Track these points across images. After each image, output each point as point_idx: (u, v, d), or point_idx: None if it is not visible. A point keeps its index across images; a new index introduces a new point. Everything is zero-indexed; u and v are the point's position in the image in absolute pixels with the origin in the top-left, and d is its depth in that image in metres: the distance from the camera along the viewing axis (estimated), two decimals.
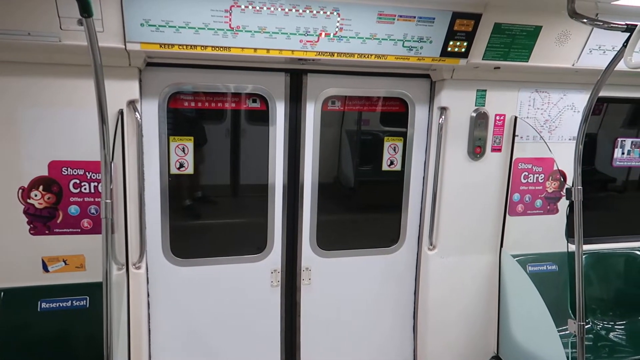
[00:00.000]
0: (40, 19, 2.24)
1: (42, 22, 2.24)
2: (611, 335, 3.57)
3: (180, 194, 3.16)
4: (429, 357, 3.54)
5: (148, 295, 3.05)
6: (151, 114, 2.85)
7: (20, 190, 2.61)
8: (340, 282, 3.44)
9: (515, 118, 3.31)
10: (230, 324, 3.29)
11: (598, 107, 3.88)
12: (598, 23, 2.25)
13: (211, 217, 3.39)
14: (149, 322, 3.08)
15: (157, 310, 3.11)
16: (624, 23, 2.13)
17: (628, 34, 2.09)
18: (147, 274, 3.01)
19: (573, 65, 3.04)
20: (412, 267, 3.57)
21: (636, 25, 2.02)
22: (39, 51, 2.42)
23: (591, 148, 4.01)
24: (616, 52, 2.22)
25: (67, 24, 2.26)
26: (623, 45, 2.11)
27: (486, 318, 3.58)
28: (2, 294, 2.67)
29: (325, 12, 2.53)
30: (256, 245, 3.27)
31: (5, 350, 2.66)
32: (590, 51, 3.00)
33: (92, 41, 1.72)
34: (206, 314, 3.22)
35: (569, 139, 3.47)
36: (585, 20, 2.24)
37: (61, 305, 2.73)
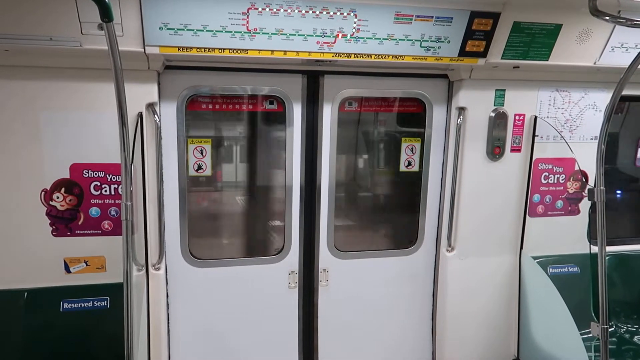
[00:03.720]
0: (61, 24, 2.28)
1: (64, 27, 2.28)
2: (635, 338, 3.49)
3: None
4: (447, 359, 3.51)
5: (167, 295, 3.07)
6: (170, 116, 2.88)
7: (43, 193, 2.66)
8: (358, 283, 3.43)
9: (535, 118, 3.27)
10: (248, 324, 3.30)
11: (620, 106, 3.80)
12: (621, 20, 2.21)
13: (229, 218, 3.41)
14: (168, 323, 3.10)
15: (176, 310, 3.13)
16: None
17: None
18: (167, 275, 3.04)
19: (594, 63, 2.99)
20: (431, 268, 3.54)
21: None
22: (60, 56, 2.47)
23: (613, 148, 3.94)
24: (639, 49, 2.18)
25: (87, 29, 2.30)
26: None
27: (506, 320, 3.53)
28: (26, 294, 2.72)
29: (342, 13, 2.53)
30: (274, 246, 3.28)
31: (29, 350, 2.71)
32: (613, 49, 2.94)
33: (112, 45, 1.74)
34: (224, 314, 3.24)
35: (591, 139, 3.41)
36: (607, 18, 2.20)
37: (83, 305, 2.77)
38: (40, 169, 2.64)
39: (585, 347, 2.83)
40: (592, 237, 3.44)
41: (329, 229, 3.29)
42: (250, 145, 3.41)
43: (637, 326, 3.57)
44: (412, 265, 3.50)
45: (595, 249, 2.66)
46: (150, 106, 2.71)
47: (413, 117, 3.38)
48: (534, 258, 3.36)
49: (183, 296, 3.13)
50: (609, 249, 3.26)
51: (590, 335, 2.69)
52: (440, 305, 3.50)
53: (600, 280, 2.58)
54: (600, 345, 2.58)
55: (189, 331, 3.19)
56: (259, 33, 2.51)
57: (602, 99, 3.37)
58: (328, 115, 3.12)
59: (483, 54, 2.83)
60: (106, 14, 1.65)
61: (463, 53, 2.81)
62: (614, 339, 3.45)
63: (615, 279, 3.59)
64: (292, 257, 3.28)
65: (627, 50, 2.95)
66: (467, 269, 3.40)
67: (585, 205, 3.48)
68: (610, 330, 3.39)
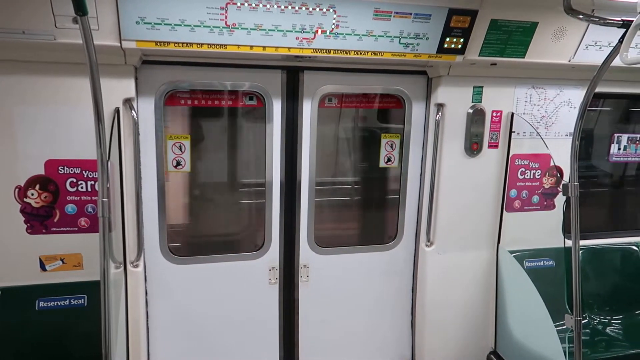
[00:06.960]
0: (35, 18, 2.22)
1: (37, 21, 2.23)
2: (608, 329, 3.58)
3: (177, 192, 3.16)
4: (426, 353, 3.56)
5: (146, 293, 3.04)
6: (147, 112, 2.84)
7: (17, 190, 2.61)
8: (339, 279, 3.44)
9: (512, 114, 3.32)
10: (229, 321, 3.29)
11: (594, 103, 3.88)
12: (594, 19, 2.25)
13: (208, 215, 3.39)
14: (147, 320, 3.08)
15: (155, 308, 3.11)
16: (620, 19, 2.14)
17: (624, 30, 2.09)
18: (145, 272, 3.01)
19: (569, 61, 3.05)
20: (410, 263, 3.58)
21: (632, 21, 2.02)
22: (34, 49, 2.41)
23: (587, 144, 4.02)
24: (612, 48, 2.22)
25: (62, 22, 2.25)
26: (619, 41, 2.12)
27: (484, 314, 3.59)
28: (0, 293, 2.66)
29: (321, 9, 2.53)
30: (254, 242, 3.27)
31: (4, 349, 2.66)
32: (587, 47, 3.00)
33: (87, 39, 1.71)
34: (204, 311, 3.22)
35: (566, 135, 3.48)
36: (581, 17, 2.24)
37: (59, 304, 2.73)
38: (14, 166, 2.58)
39: (559, 339, 2.89)
40: (566, 232, 3.52)
41: (309, 224, 3.29)
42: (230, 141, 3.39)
43: (609, 317, 3.66)
44: (392, 260, 3.53)
45: (569, 243, 2.72)
46: (128, 101, 2.67)
47: (392, 113, 3.40)
48: (511, 252, 3.42)
49: (162, 293, 3.10)
50: (583, 242, 3.34)
51: (565, 327, 2.75)
52: (420, 300, 3.54)
53: (574, 273, 2.65)
54: (574, 337, 2.65)
55: (168, 328, 3.16)
56: (237, 28, 2.49)
57: (577, 95, 3.43)
58: (308, 111, 3.12)
59: (461, 51, 2.86)
60: (80, 8, 1.62)
61: (441, 50, 2.83)
62: (587, 330, 3.53)
63: (589, 272, 3.68)
64: (273, 253, 3.27)
65: (600, 48, 3.01)
66: (445, 263, 3.44)
67: (560, 200, 3.55)
68: (583, 322, 3.47)
